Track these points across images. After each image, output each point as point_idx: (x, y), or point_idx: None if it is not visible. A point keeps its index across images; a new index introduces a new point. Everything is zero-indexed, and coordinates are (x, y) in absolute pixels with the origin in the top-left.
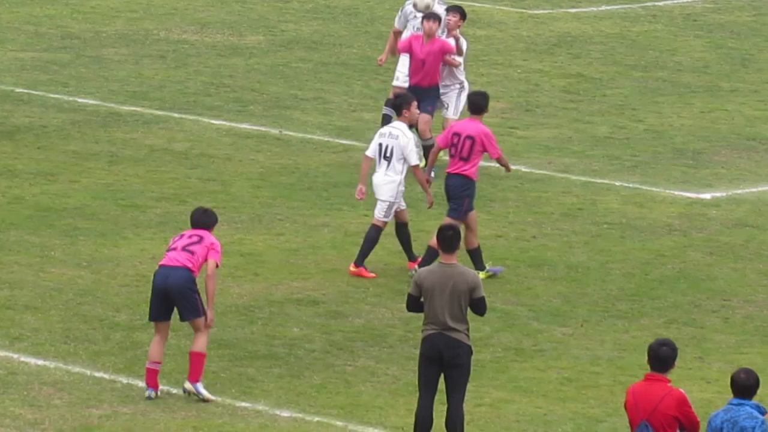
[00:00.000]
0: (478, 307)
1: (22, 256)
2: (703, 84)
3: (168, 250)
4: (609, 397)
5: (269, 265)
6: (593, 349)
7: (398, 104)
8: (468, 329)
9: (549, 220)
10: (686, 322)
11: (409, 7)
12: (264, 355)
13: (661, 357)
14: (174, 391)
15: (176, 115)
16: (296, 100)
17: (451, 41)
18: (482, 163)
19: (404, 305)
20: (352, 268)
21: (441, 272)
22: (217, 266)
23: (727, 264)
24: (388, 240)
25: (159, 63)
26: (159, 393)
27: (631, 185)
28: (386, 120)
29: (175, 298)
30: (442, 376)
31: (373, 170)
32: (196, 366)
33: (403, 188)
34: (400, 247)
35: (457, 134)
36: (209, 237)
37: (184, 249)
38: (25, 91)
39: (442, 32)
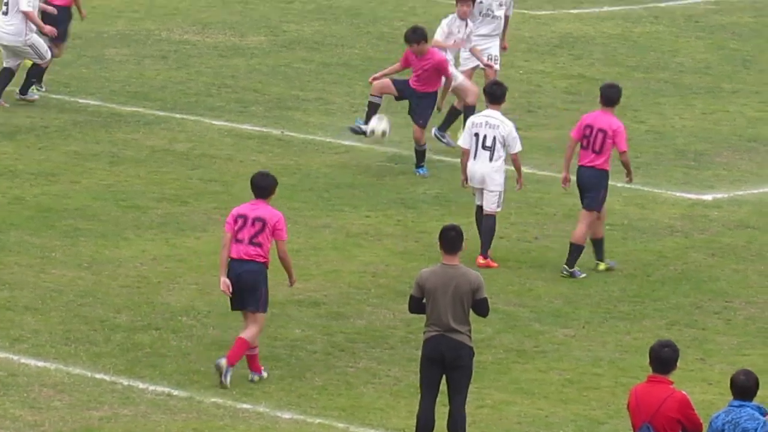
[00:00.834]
0: (481, 308)
1: (23, 256)
2: (704, 85)
3: (235, 240)
4: (611, 398)
5: (271, 266)
6: (595, 351)
7: (500, 93)
8: (470, 331)
9: (551, 222)
10: (688, 324)
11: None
12: (265, 357)
13: (663, 358)
14: (175, 392)
15: (178, 115)
16: (298, 100)
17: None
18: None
19: (406, 306)
20: (480, 261)
21: (443, 273)
22: (285, 241)
23: (729, 265)
24: (390, 240)
25: (160, 63)
26: (262, 376)
27: (632, 186)
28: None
29: (244, 290)
30: (444, 377)
31: None
32: (236, 350)
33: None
34: (401, 248)
35: (589, 126)
36: (271, 217)
37: (251, 242)
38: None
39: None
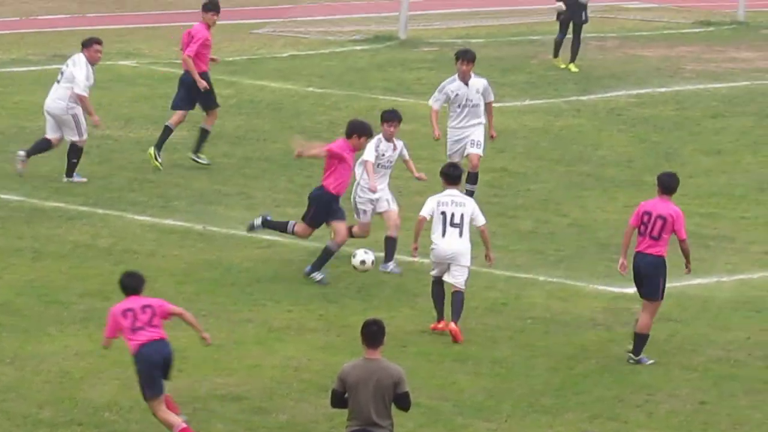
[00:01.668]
0: (402, 402)
1: None
2: (627, 178)
3: (135, 330)
4: None
5: (193, 360)
6: None
7: (457, 175)
8: (392, 425)
9: (473, 315)
10: (610, 417)
11: (448, 86)
12: None
13: None
14: None
15: (100, 210)
16: (220, 195)
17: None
18: (404, 258)
19: (328, 401)
20: (453, 326)
21: (365, 367)
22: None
23: (651, 358)
24: (312, 334)
25: (83, 159)
26: None
27: (555, 280)
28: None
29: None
30: None
31: None
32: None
33: None
34: (324, 342)
35: (647, 213)
36: (155, 301)
37: (150, 325)
38: None
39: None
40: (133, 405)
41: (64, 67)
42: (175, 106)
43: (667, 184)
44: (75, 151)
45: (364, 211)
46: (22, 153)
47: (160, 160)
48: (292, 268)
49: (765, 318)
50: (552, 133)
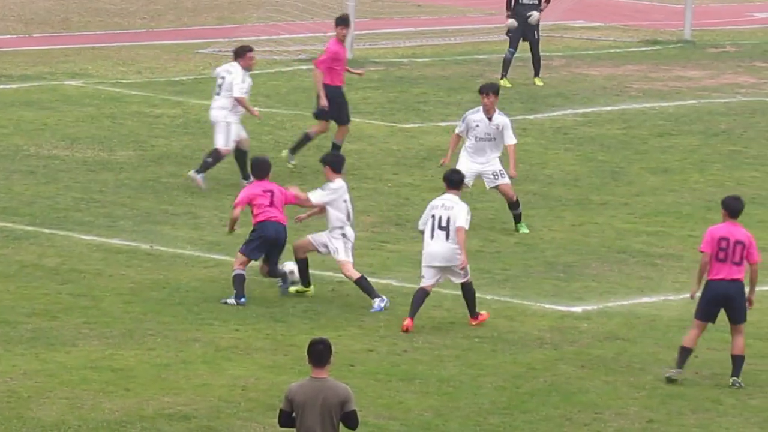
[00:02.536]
0: (350, 420)
1: None
2: (573, 197)
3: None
4: None
5: (140, 380)
6: None
7: (457, 180)
8: None
9: (420, 334)
10: None
11: (471, 116)
12: None
13: None
14: None
15: (47, 230)
16: (167, 215)
17: None
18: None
19: (276, 420)
20: (474, 322)
21: (311, 387)
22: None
23: (599, 377)
24: (259, 354)
25: (29, 178)
26: None
27: (502, 299)
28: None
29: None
30: None
31: None
32: None
33: None
34: (271, 362)
35: (724, 239)
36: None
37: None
38: None
39: None
40: (81, 424)
41: (219, 79)
42: (317, 116)
43: (734, 208)
44: (216, 156)
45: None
46: (193, 173)
47: (293, 162)
48: None
49: (712, 337)
50: None
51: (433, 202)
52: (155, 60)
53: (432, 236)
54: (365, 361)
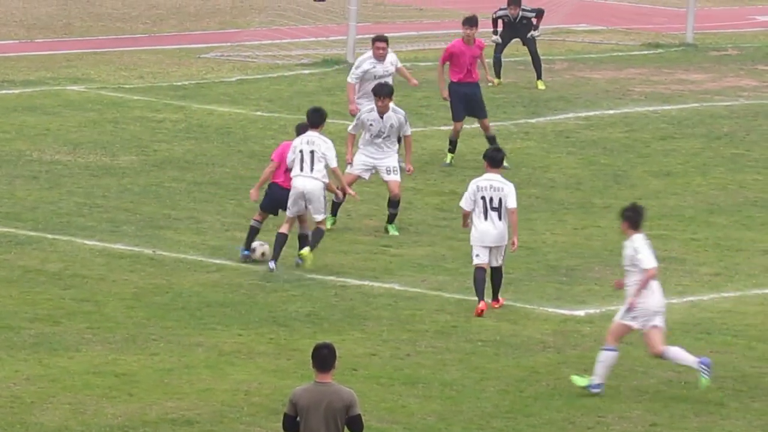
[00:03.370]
0: (354, 425)
1: None
2: (576, 200)
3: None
4: None
5: (143, 385)
6: None
7: (499, 158)
8: None
9: (423, 338)
10: None
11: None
12: None
13: None
14: None
15: (49, 235)
16: (169, 219)
17: None
18: (353, 282)
19: (280, 425)
20: (495, 305)
21: (316, 391)
22: None
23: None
24: (262, 358)
25: (32, 184)
26: None
27: (504, 302)
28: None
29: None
30: None
31: None
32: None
33: None
34: (274, 366)
35: None
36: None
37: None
38: None
39: None
40: (83, 430)
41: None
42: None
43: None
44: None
45: None
46: None
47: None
48: (242, 292)
49: (715, 340)
50: None
51: (479, 183)
52: (157, 65)
53: (485, 217)
54: (368, 365)
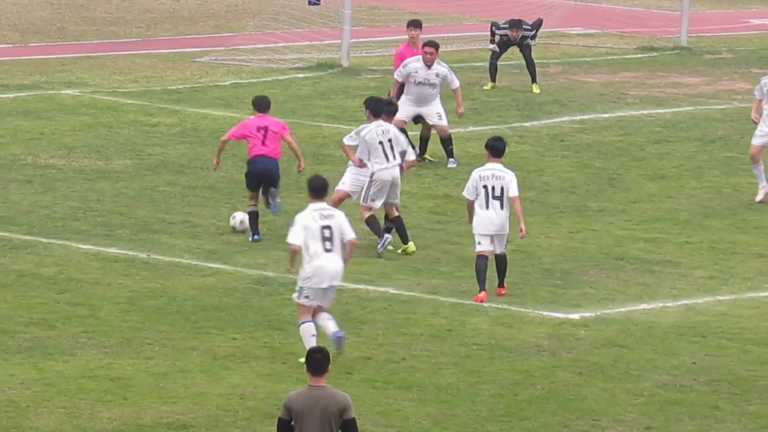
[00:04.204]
0: (350, 428)
1: None
2: (570, 204)
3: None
4: None
5: (138, 389)
6: None
7: (501, 148)
8: None
9: (418, 342)
10: None
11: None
12: None
13: None
14: None
15: (44, 239)
16: (164, 223)
17: None
18: (348, 285)
19: (274, 429)
20: (503, 291)
21: (310, 395)
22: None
23: (597, 384)
24: (257, 362)
25: (26, 188)
26: None
27: (499, 306)
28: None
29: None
30: None
31: None
32: None
33: None
34: (269, 370)
35: None
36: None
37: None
38: None
39: None
40: None
41: None
42: None
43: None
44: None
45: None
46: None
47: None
48: (237, 296)
49: (710, 343)
50: None
51: (481, 173)
52: (152, 69)
53: (487, 206)
54: (363, 369)
